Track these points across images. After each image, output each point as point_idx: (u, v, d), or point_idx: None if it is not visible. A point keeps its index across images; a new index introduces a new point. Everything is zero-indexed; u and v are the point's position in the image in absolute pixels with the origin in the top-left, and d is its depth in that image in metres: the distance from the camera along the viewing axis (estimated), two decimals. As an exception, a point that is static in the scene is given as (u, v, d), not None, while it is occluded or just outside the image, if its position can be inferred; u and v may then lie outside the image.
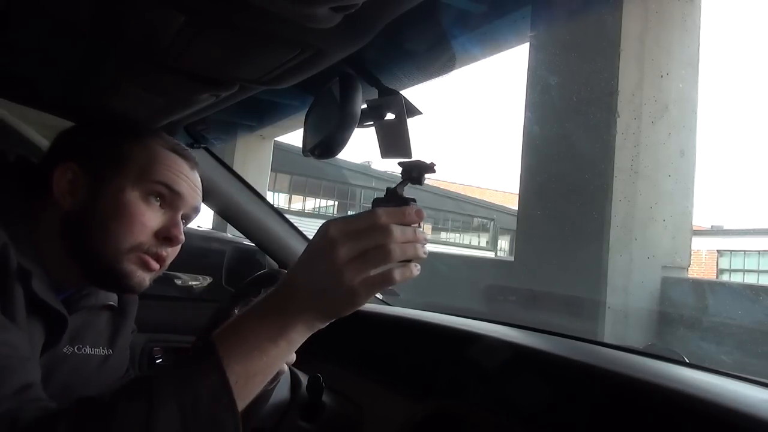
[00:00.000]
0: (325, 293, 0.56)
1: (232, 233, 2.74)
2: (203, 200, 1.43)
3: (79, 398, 0.53)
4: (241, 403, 0.55)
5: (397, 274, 0.56)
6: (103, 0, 0.63)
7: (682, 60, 3.67)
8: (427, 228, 19.00)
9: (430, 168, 0.60)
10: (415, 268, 0.57)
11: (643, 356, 0.87)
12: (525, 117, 4.04)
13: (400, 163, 0.61)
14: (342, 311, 0.57)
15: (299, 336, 0.58)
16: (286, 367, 0.77)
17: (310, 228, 0.95)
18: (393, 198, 0.59)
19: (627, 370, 0.75)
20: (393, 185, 0.61)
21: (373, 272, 0.55)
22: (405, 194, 0.60)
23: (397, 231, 0.55)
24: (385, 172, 15.89)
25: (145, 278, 0.76)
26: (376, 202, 0.59)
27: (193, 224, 0.90)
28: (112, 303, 0.86)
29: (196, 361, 0.55)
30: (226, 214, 1.37)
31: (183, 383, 0.52)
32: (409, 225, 0.56)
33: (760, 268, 12.40)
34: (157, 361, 1.55)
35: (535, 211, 3.97)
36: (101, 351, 0.84)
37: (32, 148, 2.57)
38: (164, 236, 0.76)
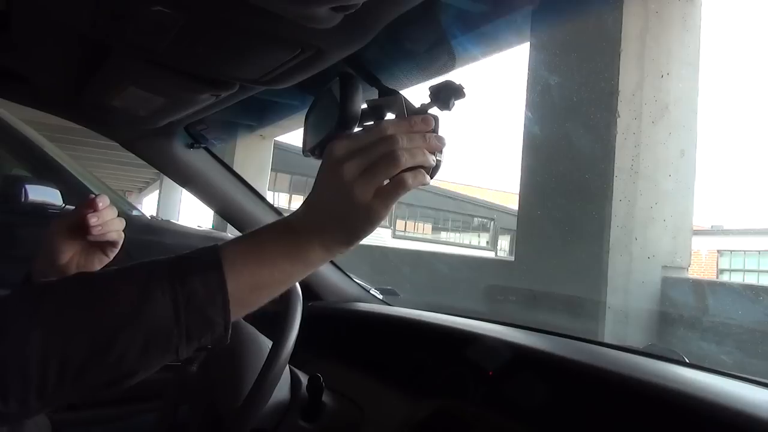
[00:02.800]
0: (340, 213, 0.54)
1: (232, 233, 2.74)
2: (203, 200, 1.44)
3: (78, 274, 0.52)
4: (243, 311, 0.54)
5: (410, 179, 0.53)
6: (103, 0, 0.63)
7: (682, 60, 3.67)
8: (427, 228, 19.00)
9: (459, 91, 0.56)
10: (428, 177, 0.55)
11: (643, 356, 0.87)
12: (525, 117, 4.04)
13: (429, 87, 0.57)
14: (362, 230, 0.55)
15: (317, 258, 0.56)
16: (298, 288, 0.76)
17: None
18: (414, 112, 0.56)
19: (627, 370, 0.75)
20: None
21: (385, 183, 0.53)
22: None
23: (404, 139, 0.53)
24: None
25: None
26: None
27: (193, 224, 0.91)
28: None
29: (197, 259, 0.53)
30: (226, 214, 1.37)
31: (181, 278, 0.51)
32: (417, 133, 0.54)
33: (760, 268, 12.39)
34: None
35: (535, 211, 3.96)
36: None
37: (32, 148, 2.57)
38: None
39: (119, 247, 0.87)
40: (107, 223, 0.82)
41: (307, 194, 0.57)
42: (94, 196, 0.81)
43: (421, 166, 0.54)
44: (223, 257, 0.53)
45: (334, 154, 0.54)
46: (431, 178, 0.55)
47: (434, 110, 0.58)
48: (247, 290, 0.54)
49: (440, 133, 0.57)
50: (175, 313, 0.50)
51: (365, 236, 0.56)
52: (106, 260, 0.87)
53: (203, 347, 0.53)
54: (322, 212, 0.55)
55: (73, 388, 0.49)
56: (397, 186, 0.53)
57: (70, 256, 0.82)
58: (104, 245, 0.85)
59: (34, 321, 0.48)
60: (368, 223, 0.54)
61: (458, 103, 0.57)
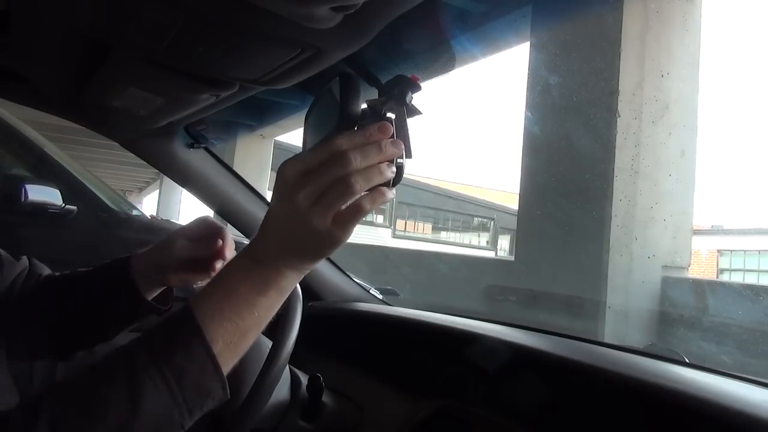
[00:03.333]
0: (300, 238, 0.52)
1: (232, 233, 2.74)
2: (203, 200, 1.43)
3: (54, 386, 0.50)
4: (234, 360, 0.53)
5: (368, 204, 0.51)
6: (103, 0, 0.63)
7: (682, 60, 3.67)
8: (427, 228, 18.99)
9: (412, 83, 0.53)
10: (389, 192, 0.52)
11: (643, 356, 0.87)
12: (525, 117, 4.04)
13: (384, 83, 0.55)
14: (325, 251, 0.54)
15: (290, 283, 0.55)
16: (298, 288, 0.72)
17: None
18: (369, 118, 0.53)
19: (627, 370, 0.75)
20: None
21: (343, 206, 0.50)
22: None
23: (357, 158, 0.49)
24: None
25: None
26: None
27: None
28: None
29: (175, 330, 0.51)
30: (226, 214, 1.37)
31: (166, 358, 0.49)
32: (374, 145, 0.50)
33: (760, 268, 12.39)
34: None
35: (535, 211, 3.97)
36: None
37: (32, 148, 2.57)
38: None
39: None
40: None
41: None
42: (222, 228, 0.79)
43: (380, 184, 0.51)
44: (199, 319, 0.51)
45: (286, 177, 0.51)
46: (393, 186, 0.53)
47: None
48: (234, 341, 0.52)
49: (405, 128, 0.54)
50: (171, 397, 0.49)
51: (330, 254, 0.55)
52: (208, 278, 0.82)
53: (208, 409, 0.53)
54: (282, 238, 0.53)
55: None
56: (355, 212, 0.51)
57: (181, 270, 0.79)
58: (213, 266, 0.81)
59: None
60: (330, 245, 0.53)
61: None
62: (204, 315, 0.51)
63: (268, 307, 0.54)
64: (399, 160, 0.53)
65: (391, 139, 0.52)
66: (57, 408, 0.48)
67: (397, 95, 0.54)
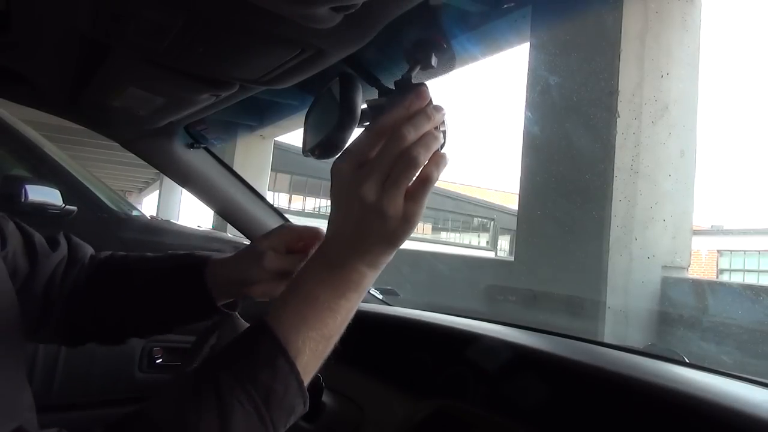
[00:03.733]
0: (376, 232, 0.50)
1: (232, 233, 2.74)
2: (203, 200, 1.43)
3: (130, 415, 0.46)
4: (318, 367, 0.52)
5: (434, 171, 0.50)
6: (103, 0, 0.63)
7: (682, 60, 3.67)
8: (427, 228, 19.00)
9: (436, 44, 0.52)
10: (446, 155, 0.51)
11: (643, 356, 0.87)
12: (525, 117, 4.04)
13: (404, 49, 0.53)
14: (403, 236, 0.51)
15: (369, 280, 0.52)
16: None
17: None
18: (401, 89, 0.52)
19: (627, 370, 0.75)
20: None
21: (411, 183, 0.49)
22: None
23: (409, 131, 0.48)
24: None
25: None
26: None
27: (193, 224, 0.89)
28: None
29: (256, 348, 0.49)
30: (226, 214, 1.37)
31: (251, 379, 0.47)
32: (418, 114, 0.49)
33: (760, 268, 12.39)
34: (157, 362, 1.55)
35: (535, 211, 3.97)
36: None
37: (32, 148, 2.57)
38: None
39: None
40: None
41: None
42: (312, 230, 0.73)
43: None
44: (280, 333, 0.49)
45: (343, 176, 0.50)
46: (442, 149, 0.51)
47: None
48: (319, 350, 0.51)
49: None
50: (259, 418, 0.47)
51: (407, 237, 0.52)
52: (280, 289, 0.76)
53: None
54: (356, 238, 0.51)
55: None
56: (424, 183, 0.50)
57: (265, 283, 0.73)
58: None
59: None
60: (407, 228, 0.50)
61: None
62: (285, 328, 0.50)
63: (349, 310, 0.53)
64: (442, 127, 0.52)
65: (432, 105, 0.50)
66: None
67: (423, 59, 0.53)
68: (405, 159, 0.48)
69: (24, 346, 0.63)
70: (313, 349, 0.50)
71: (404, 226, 0.50)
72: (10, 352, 0.57)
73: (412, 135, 0.48)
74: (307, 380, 0.50)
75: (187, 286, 0.74)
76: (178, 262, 0.77)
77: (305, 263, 0.55)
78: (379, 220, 0.49)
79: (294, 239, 0.73)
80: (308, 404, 0.51)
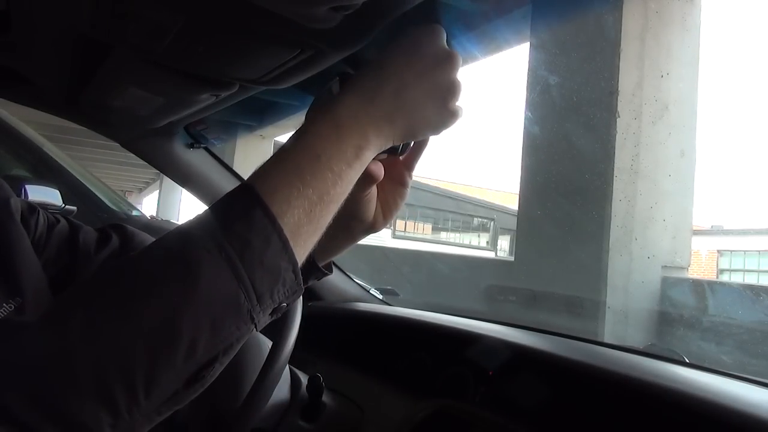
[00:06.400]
0: (425, 110, 0.49)
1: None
2: (203, 200, 1.43)
3: (100, 274, 0.42)
4: (308, 244, 0.45)
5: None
6: (103, 0, 0.63)
7: (682, 60, 3.67)
8: (427, 228, 18.99)
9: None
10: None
11: (643, 356, 0.87)
12: (525, 117, 4.04)
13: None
14: (441, 127, 0.51)
15: (371, 153, 0.48)
16: None
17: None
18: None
19: (627, 370, 0.75)
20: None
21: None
22: None
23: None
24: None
25: None
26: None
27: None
28: None
29: (230, 203, 0.43)
30: (226, 214, 1.37)
31: (223, 229, 0.41)
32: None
33: (760, 268, 12.38)
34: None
35: (535, 211, 3.97)
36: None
37: (32, 148, 2.57)
38: None
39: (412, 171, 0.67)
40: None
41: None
42: None
43: None
44: (260, 188, 0.43)
45: (433, 44, 0.52)
46: None
47: None
48: (311, 214, 0.44)
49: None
50: (232, 271, 0.40)
51: (439, 132, 0.52)
52: (406, 193, 0.67)
53: (280, 309, 0.44)
54: (384, 99, 0.48)
55: (151, 403, 0.39)
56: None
57: (374, 206, 0.65)
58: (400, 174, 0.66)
59: (75, 344, 0.38)
60: (449, 120, 0.51)
61: None
62: (272, 182, 0.44)
63: (351, 179, 0.47)
64: None
65: None
66: (91, 293, 0.40)
67: None
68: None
69: None
70: (307, 210, 0.44)
71: (449, 119, 0.51)
72: None
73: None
74: (300, 246, 0.44)
75: None
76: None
77: (308, 120, 0.50)
78: (439, 105, 0.49)
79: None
80: (302, 280, 0.44)
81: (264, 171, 0.46)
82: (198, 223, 0.42)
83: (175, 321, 0.38)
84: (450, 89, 0.50)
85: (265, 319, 0.44)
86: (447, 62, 0.50)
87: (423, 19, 0.54)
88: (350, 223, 0.65)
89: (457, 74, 0.50)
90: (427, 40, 0.51)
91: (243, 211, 0.42)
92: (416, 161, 0.64)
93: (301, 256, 0.45)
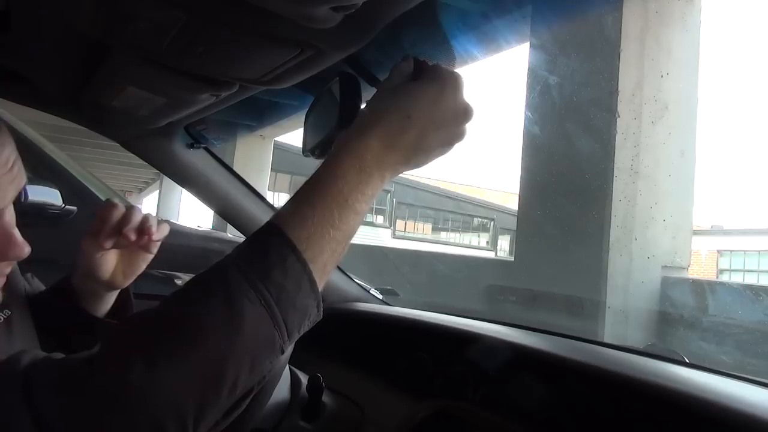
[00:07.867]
0: (435, 152, 0.54)
1: (232, 233, 2.74)
2: (203, 200, 1.43)
3: (134, 316, 0.46)
4: (334, 267, 0.51)
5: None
6: (103, 0, 0.63)
7: (682, 60, 3.67)
8: (427, 228, 19.00)
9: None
10: None
11: (643, 356, 0.87)
12: (525, 117, 4.04)
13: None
14: (423, 162, 0.55)
15: (384, 183, 0.52)
16: None
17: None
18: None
19: (627, 370, 0.75)
20: None
21: None
22: None
23: None
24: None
25: None
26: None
27: (193, 224, 0.89)
28: None
29: (265, 246, 0.47)
30: (226, 214, 1.37)
31: (262, 276, 0.45)
32: None
33: (760, 268, 12.39)
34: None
35: (535, 211, 3.97)
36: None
37: (32, 148, 2.57)
38: None
39: (159, 241, 0.77)
40: (141, 221, 0.74)
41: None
42: (106, 203, 0.74)
43: None
44: (288, 232, 0.47)
45: (452, 83, 0.54)
46: None
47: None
48: (335, 252, 0.50)
49: None
50: (271, 317, 0.45)
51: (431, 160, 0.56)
52: (150, 257, 0.78)
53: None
54: (409, 144, 0.52)
55: None
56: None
57: (113, 267, 0.75)
58: (145, 243, 0.76)
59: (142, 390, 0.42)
60: (431, 158, 0.55)
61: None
62: (292, 230, 0.48)
63: (365, 211, 0.51)
64: None
65: None
66: (148, 340, 0.44)
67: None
68: None
69: None
70: (333, 250, 0.49)
71: (434, 154, 0.55)
72: None
73: None
74: (323, 281, 0.49)
75: (62, 308, 0.75)
76: (52, 288, 0.79)
77: (331, 156, 0.52)
78: (446, 146, 0.55)
79: (110, 215, 0.73)
80: (322, 310, 0.49)
81: (295, 214, 0.50)
82: (237, 268, 0.46)
83: (221, 364, 0.43)
84: (459, 137, 0.56)
85: (288, 347, 0.48)
86: (464, 117, 0.55)
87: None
88: (85, 280, 0.74)
89: (468, 125, 0.56)
90: (451, 91, 0.55)
91: (279, 259, 0.46)
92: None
93: (322, 287, 0.50)
